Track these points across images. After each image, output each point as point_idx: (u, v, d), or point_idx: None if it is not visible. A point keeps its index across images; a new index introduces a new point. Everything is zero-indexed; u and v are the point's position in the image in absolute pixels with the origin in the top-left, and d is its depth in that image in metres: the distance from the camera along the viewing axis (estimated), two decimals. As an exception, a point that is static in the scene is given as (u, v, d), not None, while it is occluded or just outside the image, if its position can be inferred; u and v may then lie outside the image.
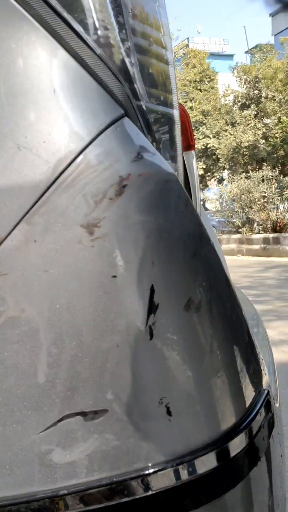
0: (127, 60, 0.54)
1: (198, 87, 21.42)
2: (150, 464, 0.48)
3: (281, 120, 18.12)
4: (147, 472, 0.48)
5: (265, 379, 0.64)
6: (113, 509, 0.47)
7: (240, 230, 12.53)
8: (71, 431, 0.47)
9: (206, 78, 21.80)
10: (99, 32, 0.53)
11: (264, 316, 4.90)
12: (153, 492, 0.48)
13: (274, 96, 18.33)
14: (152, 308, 0.49)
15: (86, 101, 0.51)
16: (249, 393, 0.57)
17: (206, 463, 0.50)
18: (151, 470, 0.48)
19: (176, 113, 0.63)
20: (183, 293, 0.52)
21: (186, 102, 20.62)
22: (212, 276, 0.56)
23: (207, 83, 21.80)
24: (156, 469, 0.48)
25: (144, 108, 0.56)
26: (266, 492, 0.60)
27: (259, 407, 0.57)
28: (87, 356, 0.47)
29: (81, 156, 0.49)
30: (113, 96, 0.52)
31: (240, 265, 8.91)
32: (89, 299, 0.48)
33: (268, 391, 0.61)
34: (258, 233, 11.90)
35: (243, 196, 12.65)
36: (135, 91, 0.54)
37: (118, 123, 0.52)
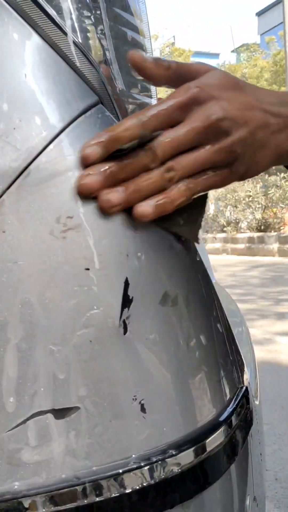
0: (102, 46, 0.53)
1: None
2: (123, 462, 0.47)
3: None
4: (120, 470, 0.46)
5: (244, 376, 0.63)
6: (86, 509, 0.45)
7: (225, 229, 12.56)
8: (41, 429, 0.45)
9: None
10: (73, 16, 0.51)
11: (249, 315, 4.92)
12: (127, 491, 0.46)
13: (259, 96, 18.38)
14: (126, 302, 0.48)
15: (59, 87, 0.49)
16: (226, 390, 0.56)
17: (182, 460, 0.49)
18: (124, 468, 0.47)
19: (154, 102, 0.61)
20: (159, 287, 0.50)
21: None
22: (190, 270, 0.54)
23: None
24: (130, 467, 0.47)
25: (120, 96, 0.54)
26: (244, 490, 0.59)
27: (236, 404, 0.56)
28: (58, 351, 0.45)
29: (53, 144, 0.47)
30: (87, 83, 0.51)
31: (225, 264, 8.93)
32: (61, 292, 0.46)
33: (247, 388, 0.59)
34: (243, 232, 11.94)
35: (228, 195, 12.70)
36: (111, 78, 0.53)
37: (92, 110, 0.50)
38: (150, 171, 0.50)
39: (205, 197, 0.56)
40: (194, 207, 0.54)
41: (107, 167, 0.49)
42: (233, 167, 0.53)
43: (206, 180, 0.53)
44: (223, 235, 12.26)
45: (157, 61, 0.52)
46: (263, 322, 4.76)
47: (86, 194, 0.48)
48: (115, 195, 0.48)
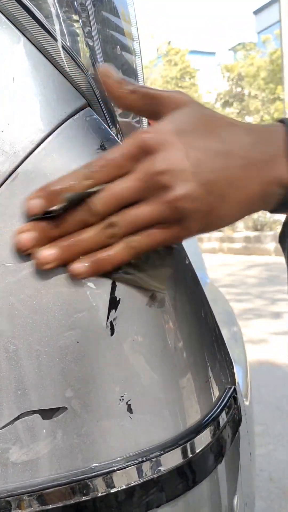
0: (90, 49, 0.53)
1: (179, 85, 21.45)
2: (111, 462, 0.47)
3: (264, 118, 18.22)
4: (107, 470, 0.47)
5: (233, 377, 0.63)
6: (73, 508, 0.46)
7: (221, 228, 12.53)
8: (28, 429, 0.45)
9: (187, 75, 21.84)
10: (61, 20, 0.51)
11: (245, 315, 4.92)
12: (114, 491, 0.47)
13: (256, 94, 18.42)
14: (113, 304, 0.48)
15: (47, 90, 0.49)
16: (214, 390, 0.56)
17: (169, 460, 0.49)
18: (111, 468, 0.47)
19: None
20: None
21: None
22: (177, 272, 0.55)
23: (188, 80, 21.84)
24: (116, 467, 0.47)
25: (108, 99, 0.54)
26: (233, 490, 0.60)
27: (224, 404, 0.56)
28: (46, 352, 0.46)
29: (40, 147, 0.48)
30: (75, 86, 0.51)
31: (221, 263, 8.94)
32: (48, 293, 0.47)
33: (235, 388, 0.60)
34: (240, 231, 11.95)
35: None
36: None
37: (80, 113, 0.50)
38: (91, 226, 0.48)
39: (170, 248, 0.52)
40: (159, 258, 0.51)
41: (42, 223, 0.47)
42: (183, 224, 0.48)
43: (152, 237, 0.48)
44: (219, 234, 12.26)
45: (123, 82, 0.49)
46: (259, 321, 4.77)
47: (21, 251, 0.46)
48: (47, 252, 0.46)
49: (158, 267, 0.51)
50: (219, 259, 9.45)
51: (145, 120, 0.63)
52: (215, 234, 12.37)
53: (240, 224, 12.28)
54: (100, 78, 0.49)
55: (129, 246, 0.48)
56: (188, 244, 0.57)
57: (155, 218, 0.47)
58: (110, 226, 0.47)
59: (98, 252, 0.48)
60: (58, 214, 0.47)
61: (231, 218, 0.50)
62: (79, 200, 0.47)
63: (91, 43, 0.54)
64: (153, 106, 0.50)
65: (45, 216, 0.46)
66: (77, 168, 0.47)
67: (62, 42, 0.51)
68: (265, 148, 0.49)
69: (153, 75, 21.38)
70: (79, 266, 0.47)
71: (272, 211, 0.53)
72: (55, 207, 0.46)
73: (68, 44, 0.51)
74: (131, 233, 0.48)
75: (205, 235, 12.20)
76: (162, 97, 0.50)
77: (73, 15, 0.53)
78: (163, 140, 0.47)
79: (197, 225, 0.49)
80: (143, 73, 0.61)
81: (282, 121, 0.51)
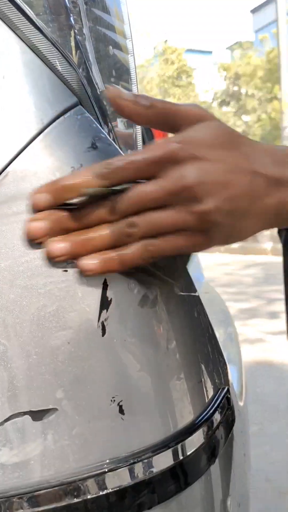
0: (82, 47, 0.53)
1: (176, 83, 21.46)
2: (102, 463, 0.47)
3: (261, 118, 18.23)
4: (99, 471, 0.47)
5: (227, 377, 0.63)
6: (64, 510, 0.45)
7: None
8: (19, 431, 0.45)
9: (184, 74, 21.84)
10: (52, 17, 0.51)
11: (242, 314, 4.93)
12: (106, 492, 0.46)
13: (253, 94, 18.44)
14: (104, 304, 0.48)
15: (38, 89, 0.49)
16: (207, 391, 0.56)
17: (161, 461, 0.49)
18: (103, 470, 0.47)
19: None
20: (138, 288, 0.50)
21: (164, 97, 20.64)
22: (170, 271, 0.54)
23: (184, 79, 21.84)
24: (108, 469, 0.47)
25: (100, 97, 0.54)
26: (226, 491, 0.59)
27: (217, 404, 0.56)
28: (36, 353, 0.46)
29: (31, 146, 0.47)
30: (66, 84, 0.51)
31: (218, 263, 8.93)
32: (39, 294, 0.46)
33: (228, 389, 0.60)
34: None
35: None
36: (91, 79, 0.53)
37: (71, 111, 0.50)
38: (110, 223, 0.47)
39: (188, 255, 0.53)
40: (175, 261, 0.51)
41: (57, 214, 0.47)
42: (208, 234, 0.49)
43: (171, 243, 0.48)
44: (216, 234, 12.24)
45: (137, 98, 0.48)
46: (256, 321, 4.77)
47: (31, 240, 0.46)
48: (59, 245, 0.46)
49: (173, 270, 0.52)
50: (216, 258, 9.44)
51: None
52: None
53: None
54: (110, 101, 0.48)
55: (146, 248, 0.48)
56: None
57: (178, 225, 0.47)
58: (130, 226, 0.47)
59: (112, 250, 0.47)
60: (77, 208, 0.47)
61: (249, 232, 0.52)
62: (100, 196, 0.47)
63: (82, 41, 0.53)
64: (170, 120, 0.50)
65: (62, 207, 0.47)
66: (91, 167, 0.47)
67: (53, 40, 0.50)
68: (282, 169, 0.50)
69: (150, 74, 21.37)
70: (89, 262, 0.47)
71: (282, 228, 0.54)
72: (75, 200, 0.46)
73: (59, 42, 0.51)
74: (149, 236, 0.48)
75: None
76: (180, 111, 0.50)
77: (64, 13, 0.52)
78: (192, 150, 0.47)
79: (219, 237, 0.50)
80: (136, 72, 0.61)
81: None
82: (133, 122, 0.51)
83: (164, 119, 0.50)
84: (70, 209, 0.47)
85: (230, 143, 0.49)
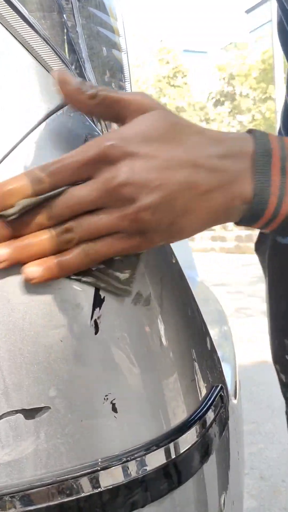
0: (75, 45, 0.52)
1: (172, 83, 21.47)
2: (94, 462, 0.47)
3: (255, 118, 18.25)
4: (91, 470, 0.46)
5: (221, 375, 0.63)
6: (57, 508, 0.45)
7: (213, 227, 12.55)
8: (11, 430, 0.45)
9: (180, 74, 21.85)
10: (45, 14, 0.51)
11: (237, 313, 4.93)
12: (99, 491, 0.46)
13: (248, 94, 18.46)
14: (97, 302, 0.48)
15: (30, 86, 0.49)
16: (201, 389, 0.56)
17: (154, 460, 0.49)
18: (95, 468, 0.47)
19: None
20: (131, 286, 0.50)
21: (159, 97, 20.65)
22: (163, 270, 0.54)
23: (180, 79, 21.85)
24: (101, 467, 0.47)
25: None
26: (220, 489, 0.59)
27: (211, 402, 0.56)
28: (29, 351, 0.45)
29: (23, 143, 0.47)
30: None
31: (213, 262, 8.94)
32: (31, 291, 0.46)
33: (222, 387, 0.59)
34: (231, 230, 11.96)
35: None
36: (84, 77, 0.52)
37: (64, 109, 0.50)
38: (47, 229, 0.46)
39: (137, 255, 0.51)
40: (125, 261, 0.50)
41: None
42: (144, 235, 0.47)
43: (109, 246, 0.47)
44: (211, 233, 12.27)
45: (82, 86, 0.46)
46: (251, 320, 4.78)
47: None
48: None
49: (124, 270, 0.49)
50: (211, 258, 9.44)
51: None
52: (207, 233, 12.38)
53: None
54: (57, 85, 0.47)
55: (85, 253, 0.46)
56: (178, 243, 0.56)
57: (113, 228, 0.46)
58: (67, 231, 0.46)
59: (54, 256, 0.46)
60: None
61: (194, 230, 0.49)
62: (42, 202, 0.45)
63: (75, 39, 0.53)
64: (115, 111, 0.48)
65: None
66: (31, 169, 0.45)
67: (45, 37, 0.50)
68: (231, 162, 0.48)
69: (145, 74, 21.37)
70: (33, 270, 0.45)
71: (237, 223, 0.52)
72: (8, 211, 0.44)
73: (51, 39, 0.51)
74: (88, 240, 0.46)
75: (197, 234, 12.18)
76: (124, 100, 0.47)
77: (57, 10, 0.52)
78: (125, 148, 0.45)
79: (158, 237, 0.48)
80: (129, 70, 0.61)
81: (250, 131, 0.50)
82: (79, 111, 0.49)
83: (107, 109, 0.47)
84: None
85: (171, 134, 0.46)
